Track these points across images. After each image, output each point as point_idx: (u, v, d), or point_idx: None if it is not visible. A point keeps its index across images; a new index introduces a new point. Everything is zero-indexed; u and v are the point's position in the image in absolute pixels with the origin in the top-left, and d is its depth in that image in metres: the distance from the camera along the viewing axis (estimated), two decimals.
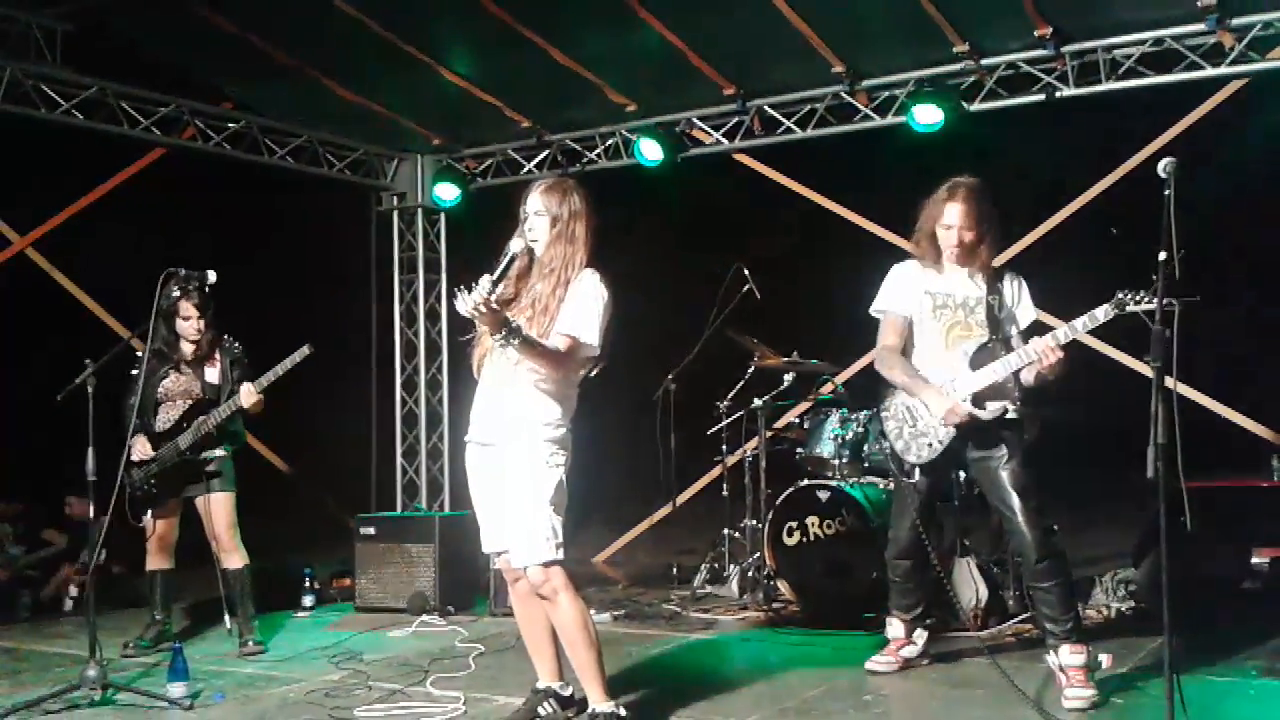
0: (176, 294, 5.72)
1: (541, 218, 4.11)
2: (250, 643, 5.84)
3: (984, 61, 6.89)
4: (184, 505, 6.01)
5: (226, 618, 5.87)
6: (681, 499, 7.85)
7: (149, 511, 5.91)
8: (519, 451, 4.02)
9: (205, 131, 7.55)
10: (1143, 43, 6.54)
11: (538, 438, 4.03)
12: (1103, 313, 4.38)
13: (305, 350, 5.62)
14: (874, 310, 4.97)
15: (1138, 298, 4.21)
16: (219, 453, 5.89)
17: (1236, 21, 6.28)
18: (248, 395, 5.69)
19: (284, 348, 5.68)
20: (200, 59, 7.40)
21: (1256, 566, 6.37)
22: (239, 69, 7.43)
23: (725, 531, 7.31)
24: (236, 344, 6.03)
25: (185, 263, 5.29)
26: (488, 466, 4.15)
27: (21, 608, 7.02)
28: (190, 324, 5.87)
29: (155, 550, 6.01)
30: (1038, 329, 4.77)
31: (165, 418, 5.92)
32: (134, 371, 5.86)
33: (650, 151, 7.77)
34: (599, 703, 4.07)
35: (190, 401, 5.89)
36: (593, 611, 4.43)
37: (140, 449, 5.83)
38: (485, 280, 3.88)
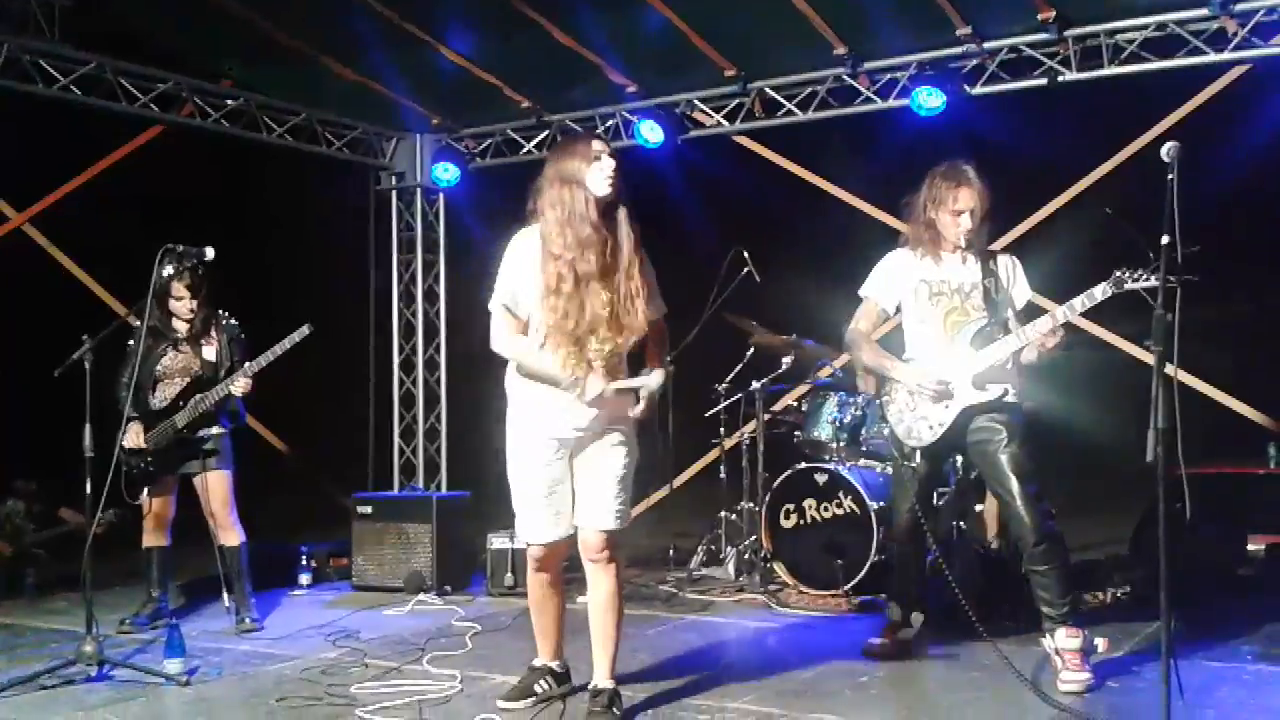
0: (169, 274, 5.69)
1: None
2: (247, 620, 5.85)
3: (986, 45, 6.85)
4: (181, 483, 6.01)
5: (224, 595, 5.88)
6: (679, 481, 7.86)
7: (145, 490, 5.91)
8: (609, 434, 4.09)
9: (203, 109, 7.51)
10: (1145, 27, 6.51)
11: (623, 420, 4.10)
12: (1100, 291, 4.41)
13: (305, 330, 5.61)
14: (860, 292, 5.02)
15: (1135, 276, 4.23)
16: (215, 430, 5.89)
17: (1240, 7, 6.25)
18: (241, 385, 5.69)
19: (282, 326, 5.67)
20: (199, 36, 7.35)
21: (1252, 553, 6.41)
22: (238, 47, 7.39)
23: (722, 514, 7.32)
24: (234, 320, 6.02)
25: (183, 240, 5.26)
26: (561, 452, 4.11)
27: (27, 586, 7.01)
28: (183, 304, 5.87)
29: (151, 528, 6.01)
30: (1034, 310, 4.79)
31: (162, 395, 5.91)
32: (129, 344, 5.85)
33: (650, 133, 7.74)
34: (603, 679, 4.12)
35: (188, 379, 5.89)
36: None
37: (133, 438, 5.81)
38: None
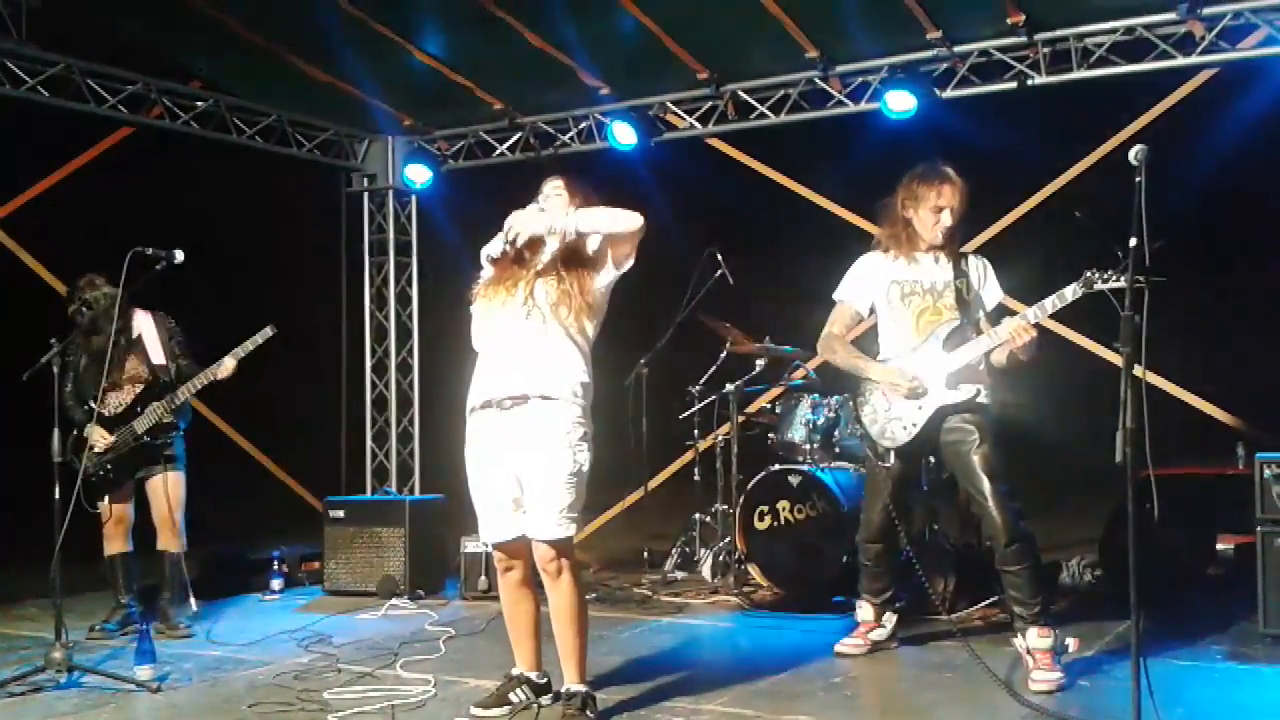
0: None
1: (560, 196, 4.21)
2: (180, 625, 5.82)
3: (957, 49, 6.89)
4: (137, 487, 5.96)
5: (192, 600, 5.85)
6: (653, 484, 7.86)
7: (106, 497, 5.85)
8: (551, 416, 3.96)
9: (173, 110, 7.44)
10: (1114, 31, 6.57)
11: (572, 404, 4.00)
12: (1071, 292, 4.45)
13: (268, 331, 5.59)
14: (834, 296, 5.04)
15: (1105, 276, 4.27)
16: (172, 432, 5.85)
17: (1207, 11, 6.31)
18: (228, 367, 5.65)
19: (253, 329, 5.64)
20: (169, 36, 7.29)
21: (1221, 553, 6.46)
22: (208, 47, 7.33)
23: (696, 516, 7.33)
24: (170, 318, 5.98)
25: (152, 242, 5.21)
26: (497, 439, 4.03)
27: None
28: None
29: (114, 535, 5.94)
30: (1005, 311, 4.82)
31: (116, 402, 5.85)
32: (69, 358, 5.78)
33: (623, 135, 7.74)
34: (573, 682, 4.08)
35: (140, 385, 5.84)
36: None
37: (100, 439, 5.75)
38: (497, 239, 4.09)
